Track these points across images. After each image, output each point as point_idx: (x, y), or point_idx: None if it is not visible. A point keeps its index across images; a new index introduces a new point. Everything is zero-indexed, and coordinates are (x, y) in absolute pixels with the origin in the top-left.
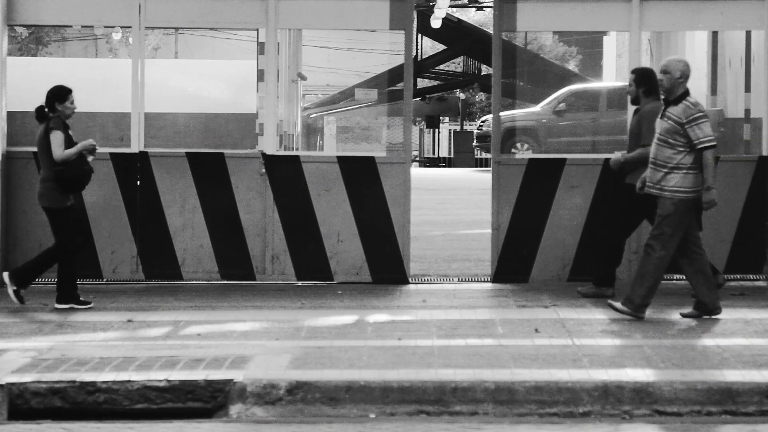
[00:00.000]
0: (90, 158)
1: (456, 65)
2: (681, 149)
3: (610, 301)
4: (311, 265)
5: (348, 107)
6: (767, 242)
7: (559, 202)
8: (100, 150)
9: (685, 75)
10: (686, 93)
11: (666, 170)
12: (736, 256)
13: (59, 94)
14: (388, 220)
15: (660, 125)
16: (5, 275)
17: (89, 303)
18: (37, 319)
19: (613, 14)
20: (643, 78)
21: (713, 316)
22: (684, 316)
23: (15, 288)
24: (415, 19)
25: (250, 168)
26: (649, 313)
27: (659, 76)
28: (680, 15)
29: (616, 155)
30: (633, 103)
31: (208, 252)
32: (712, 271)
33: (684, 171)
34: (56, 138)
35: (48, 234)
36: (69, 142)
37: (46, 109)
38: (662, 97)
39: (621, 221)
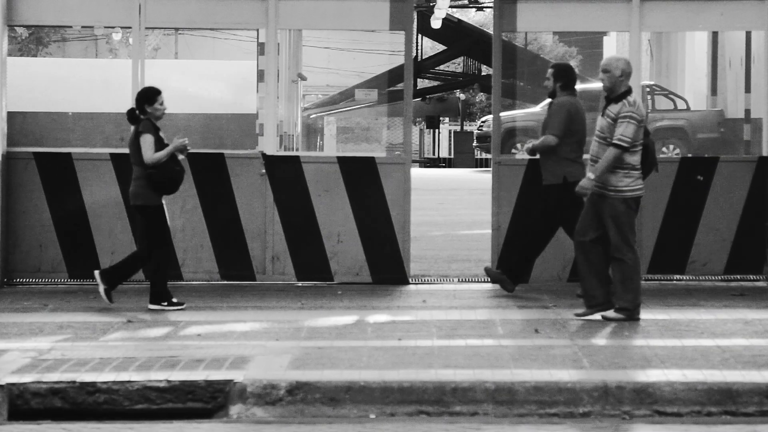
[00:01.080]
0: (181, 157)
1: (456, 66)
2: None
3: (602, 313)
4: (311, 265)
5: (348, 108)
6: (767, 242)
7: None
8: (99, 150)
9: (626, 73)
10: (628, 91)
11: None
12: (736, 257)
13: (148, 96)
14: (388, 220)
15: (600, 123)
16: (96, 274)
17: (182, 304)
18: (38, 319)
19: (613, 15)
20: (560, 73)
21: (604, 312)
22: (578, 315)
23: (105, 287)
24: (415, 20)
25: (250, 168)
26: (649, 313)
27: (600, 75)
28: (680, 15)
29: (528, 144)
30: (550, 96)
31: (208, 252)
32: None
33: (627, 170)
34: (146, 141)
35: (48, 234)
36: (160, 144)
37: (137, 111)
38: (604, 95)
39: (547, 222)
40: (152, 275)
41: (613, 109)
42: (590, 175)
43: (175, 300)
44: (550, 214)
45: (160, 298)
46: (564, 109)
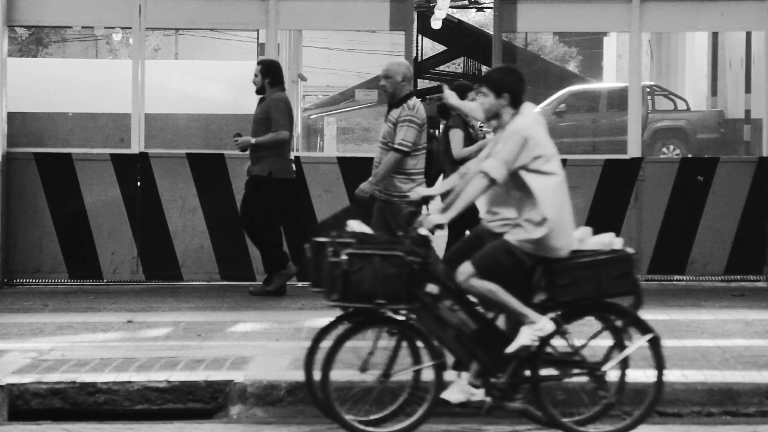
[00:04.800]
0: None
1: (456, 66)
2: None
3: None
4: None
5: (348, 108)
6: (767, 243)
7: None
8: (99, 151)
9: (407, 77)
10: (409, 95)
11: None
12: (736, 257)
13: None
14: None
15: (383, 129)
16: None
17: None
18: (38, 320)
19: (614, 15)
20: (269, 69)
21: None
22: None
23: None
24: (416, 20)
25: None
26: (649, 314)
27: (382, 81)
28: (680, 16)
29: (244, 137)
30: (258, 93)
31: (208, 253)
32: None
33: (409, 174)
34: (455, 136)
35: (48, 235)
36: (469, 140)
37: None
38: (387, 101)
39: (266, 219)
40: None
41: (394, 113)
42: (371, 179)
43: None
44: (247, 204)
45: None
46: (284, 104)
